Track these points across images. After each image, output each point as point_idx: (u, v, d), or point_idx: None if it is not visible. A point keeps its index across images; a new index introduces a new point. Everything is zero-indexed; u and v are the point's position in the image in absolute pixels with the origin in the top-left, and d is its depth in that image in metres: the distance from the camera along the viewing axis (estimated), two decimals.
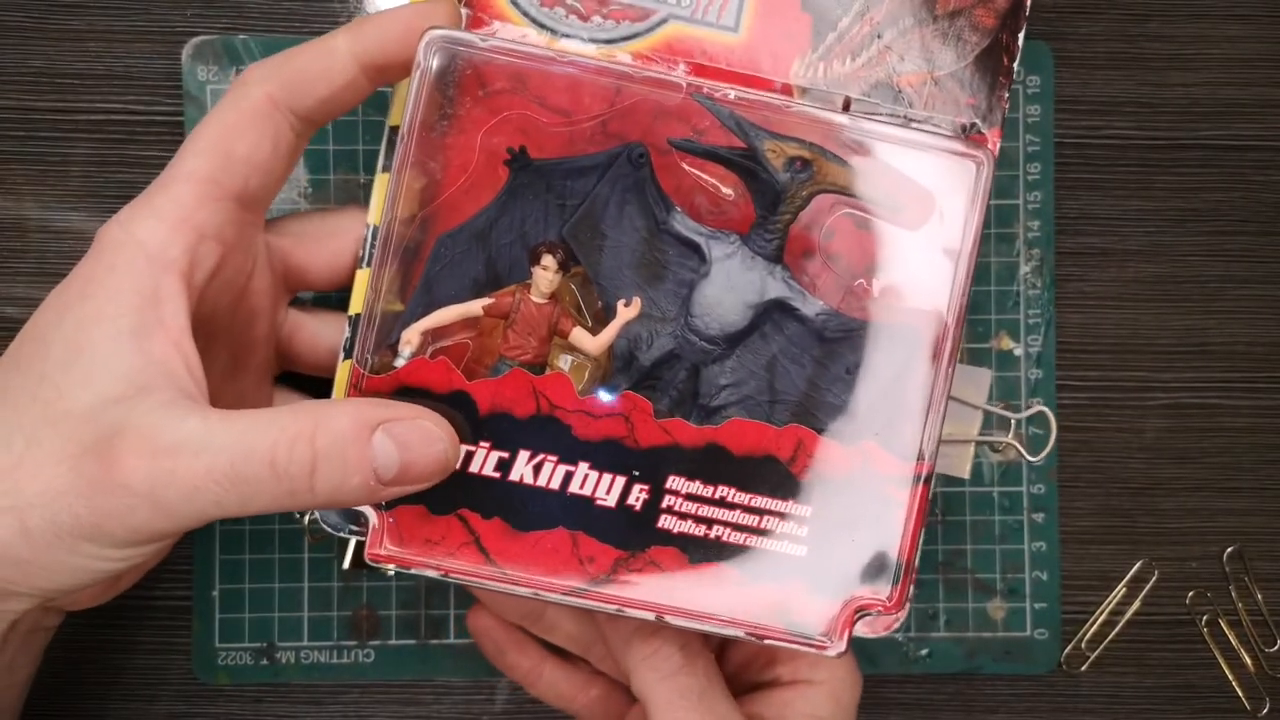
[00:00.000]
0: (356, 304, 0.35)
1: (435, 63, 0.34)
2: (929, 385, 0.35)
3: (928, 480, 0.35)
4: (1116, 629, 0.45)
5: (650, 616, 0.35)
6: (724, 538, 0.35)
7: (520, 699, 0.44)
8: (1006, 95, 0.36)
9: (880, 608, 0.35)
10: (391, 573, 0.43)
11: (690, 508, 0.35)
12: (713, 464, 0.35)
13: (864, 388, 0.35)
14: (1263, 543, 0.45)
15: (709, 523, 0.35)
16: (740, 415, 0.35)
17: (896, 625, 0.35)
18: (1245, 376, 0.45)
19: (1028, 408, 0.43)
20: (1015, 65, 0.36)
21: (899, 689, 0.45)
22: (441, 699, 0.44)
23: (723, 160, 0.35)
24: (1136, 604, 0.45)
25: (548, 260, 0.35)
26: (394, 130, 0.35)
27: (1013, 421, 0.43)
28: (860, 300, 0.35)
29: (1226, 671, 0.45)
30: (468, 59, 0.35)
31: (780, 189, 0.35)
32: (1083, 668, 0.45)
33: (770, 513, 0.35)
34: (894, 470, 0.35)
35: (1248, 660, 0.45)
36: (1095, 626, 0.45)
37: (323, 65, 0.34)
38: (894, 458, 0.35)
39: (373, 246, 0.35)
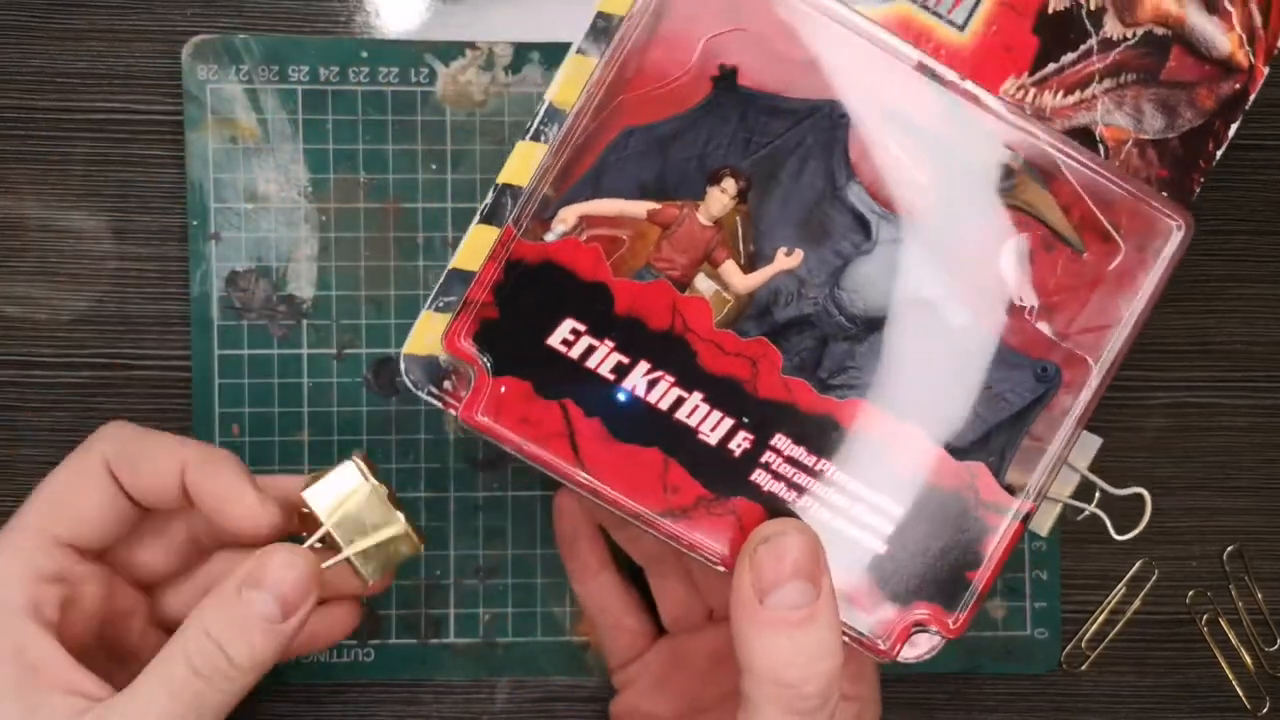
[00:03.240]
0: (510, 176, 0.35)
1: None
2: (1058, 430, 0.34)
3: (1026, 519, 0.34)
4: (1116, 628, 0.45)
5: (717, 565, 0.34)
6: (810, 510, 0.34)
7: (520, 699, 0.44)
8: (1201, 181, 0.36)
9: (939, 627, 0.34)
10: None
11: (787, 470, 0.34)
12: (822, 435, 0.34)
13: (991, 410, 0.34)
14: (1263, 542, 0.45)
15: (800, 490, 0.34)
16: (859, 399, 0.34)
17: (935, 651, 0.35)
18: (1245, 376, 0.45)
19: (1126, 487, 0.39)
20: (1219, 155, 0.36)
21: (898, 689, 0.45)
22: (441, 699, 0.44)
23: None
24: (1136, 603, 0.45)
25: (728, 184, 0.34)
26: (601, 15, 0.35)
27: (1100, 494, 0.39)
28: (1014, 323, 0.34)
29: (1226, 671, 0.45)
30: None
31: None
32: (1083, 667, 0.45)
33: (862, 500, 0.34)
34: (998, 498, 0.34)
35: (1247, 659, 0.45)
36: (1095, 626, 0.45)
37: (157, 465, 0.36)
38: (1001, 486, 0.34)
39: (544, 123, 0.35)
